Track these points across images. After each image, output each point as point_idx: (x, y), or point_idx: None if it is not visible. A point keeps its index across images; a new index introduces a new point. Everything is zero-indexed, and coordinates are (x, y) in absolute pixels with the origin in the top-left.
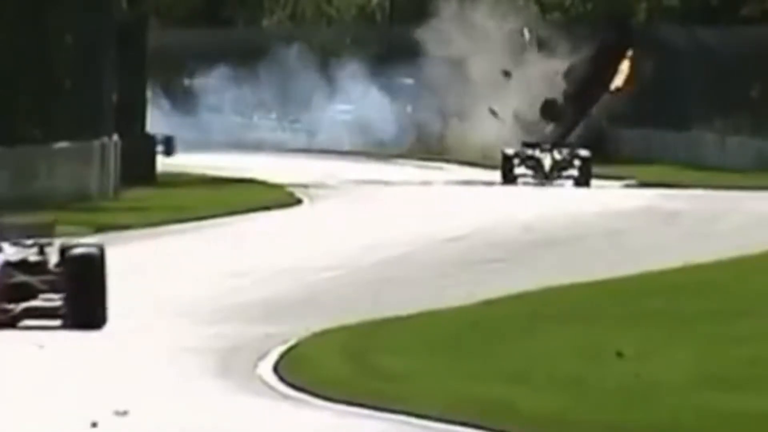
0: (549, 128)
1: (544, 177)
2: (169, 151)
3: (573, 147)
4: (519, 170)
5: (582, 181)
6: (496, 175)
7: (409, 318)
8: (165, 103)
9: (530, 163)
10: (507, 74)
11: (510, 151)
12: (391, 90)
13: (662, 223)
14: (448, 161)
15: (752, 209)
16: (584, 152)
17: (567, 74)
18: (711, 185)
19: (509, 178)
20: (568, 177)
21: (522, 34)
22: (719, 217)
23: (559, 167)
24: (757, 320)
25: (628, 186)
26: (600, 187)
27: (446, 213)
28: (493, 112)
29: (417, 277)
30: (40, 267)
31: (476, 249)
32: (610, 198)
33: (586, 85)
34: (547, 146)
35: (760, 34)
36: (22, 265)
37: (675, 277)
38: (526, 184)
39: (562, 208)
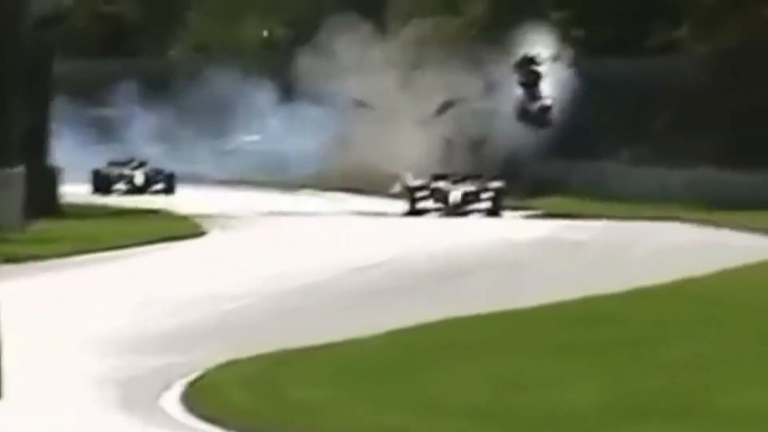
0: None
1: (451, 209)
2: (170, 189)
3: (484, 179)
4: (425, 203)
5: (493, 212)
6: (404, 206)
7: (319, 348)
8: (70, 133)
9: (437, 195)
10: (362, 104)
11: (416, 183)
12: (296, 120)
13: (567, 254)
14: (354, 192)
15: (654, 240)
16: (496, 183)
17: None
18: (616, 216)
19: (415, 210)
20: (477, 210)
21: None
22: (623, 248)
23: (467, 200)
24: (662, 350)
25: (534, 216)
26: (507, 218)
27: (353, 244)
28: (361, 104)
29: (325, 307)
30: None
31: (384, 279)
32: (516, 229)
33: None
34: (458, 177)
35: (665, 66)
36: None
37: (578, 307)
38: (433, 216)
39: (468, 239)
